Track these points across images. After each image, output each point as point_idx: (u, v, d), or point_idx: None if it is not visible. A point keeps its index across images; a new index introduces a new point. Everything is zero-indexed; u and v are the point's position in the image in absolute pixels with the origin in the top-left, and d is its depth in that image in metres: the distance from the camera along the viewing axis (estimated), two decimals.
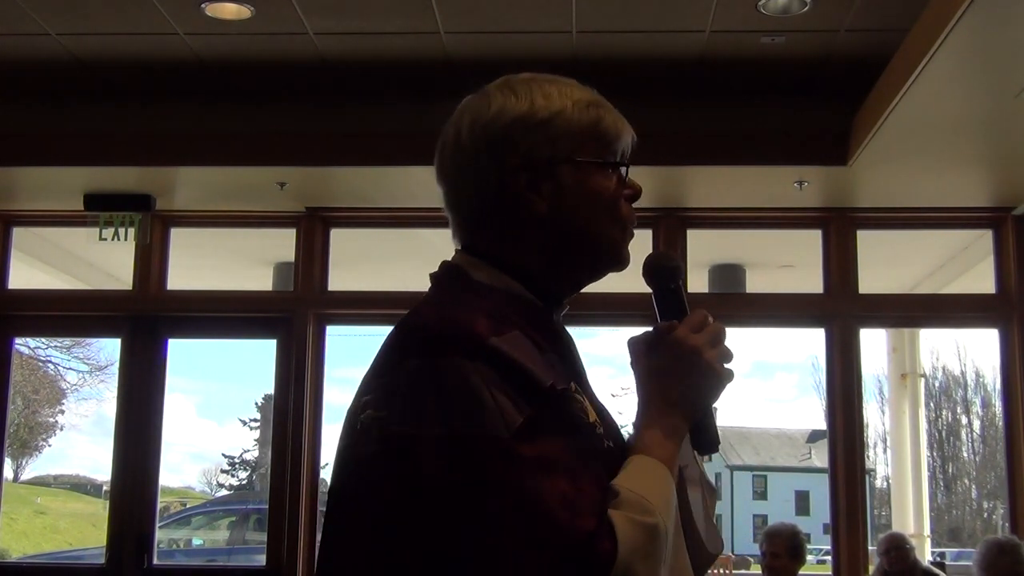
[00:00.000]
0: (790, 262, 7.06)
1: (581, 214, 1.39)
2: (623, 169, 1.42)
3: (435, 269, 1.46)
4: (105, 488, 11.90)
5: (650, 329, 1.44)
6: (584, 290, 1.46)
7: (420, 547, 1.20)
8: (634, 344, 1.43)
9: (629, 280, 1.49)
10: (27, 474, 19.06)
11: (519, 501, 1.17)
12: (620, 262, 1.44)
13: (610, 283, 1.55)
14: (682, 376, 1.35)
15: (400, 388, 1.25)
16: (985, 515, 28.82)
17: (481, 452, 1.19)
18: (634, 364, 1.42)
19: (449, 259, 1.45)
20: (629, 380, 1.42)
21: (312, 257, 6.12)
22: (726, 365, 1.37)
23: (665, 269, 1.43)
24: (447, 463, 1.20)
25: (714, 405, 1.39)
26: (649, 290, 1.44)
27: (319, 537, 5.94)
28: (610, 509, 1.20)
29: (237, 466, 23.67)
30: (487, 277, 1.38)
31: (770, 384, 45.79)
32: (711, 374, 1.36)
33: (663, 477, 1.28)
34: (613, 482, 1.25)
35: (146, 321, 6.15)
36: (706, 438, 1.39)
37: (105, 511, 6.40)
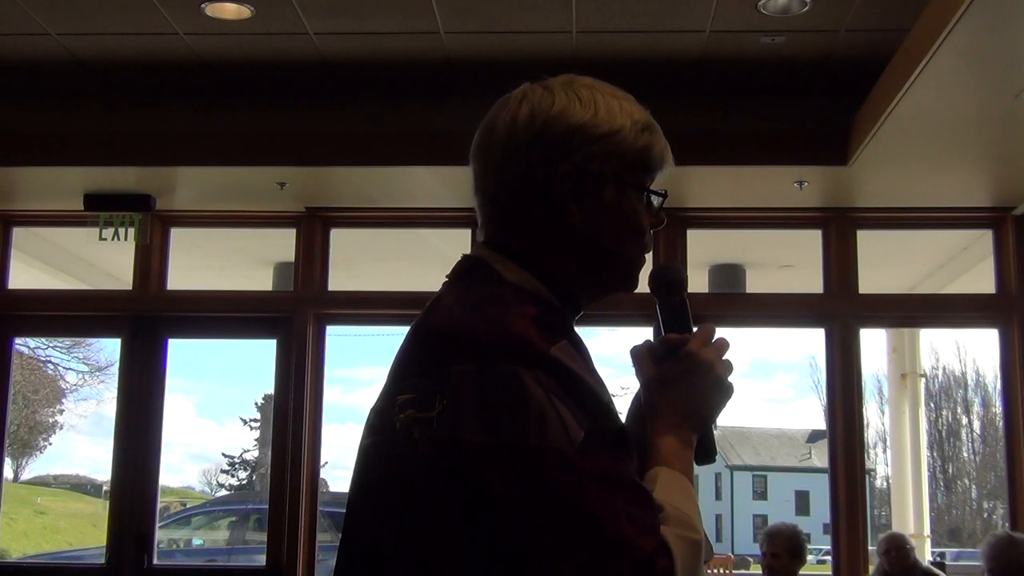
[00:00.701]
0: (790, 262, 7.06)
1: (611, 233, 1.38)
2: (657, 199, 1.42)
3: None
4: (105, 488, 11.90)
5: (651, 339, 1.45)
6: None
7: (478, 557, 1.19)
8: (639, 352, 1.43)
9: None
10: (27, 474, 19.09)
11: (586, 519, 1.16)
12: (632, 285, 1.44)
13: None
14: (695, 389, 1.37)
15: (452, 392, 1.22)
16: (985, 515, 28.82)
17: (547, 466, 1.17)
18: (638, 372, 1.42)
19: (470, 253, 1.42)
20: (628, 380, 1.42)
21: (312, 257, 6.12)
22: (729, 378, 1.39)
23: (671, 282, 1.44)
24: (511, 474, 1.17)
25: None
26: (647, 291, 1.44)
27: (319, 537, 5.96)
28: (661, 525, 1.21)
29: (237, 466, 23.69)
30: (516, 278, 1.36)
31: (768, 384, 45.77)
32: (722, 388, 1.38)
33: (690, 489, 1.30)
34: (654, 496, 1.25)
35: (146, 321, 6.15)
36: (706, 449, 1.41)
37: (105, 511, 6.39)
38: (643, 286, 1.46)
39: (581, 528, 1.16)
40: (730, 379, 1.39)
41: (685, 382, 1.37)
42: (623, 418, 1.37)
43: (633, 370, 1.43)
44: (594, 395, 1.25)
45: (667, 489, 1.27)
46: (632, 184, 1.39)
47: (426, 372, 1.26)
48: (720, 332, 1.42)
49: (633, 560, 1.16)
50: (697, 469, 1.42)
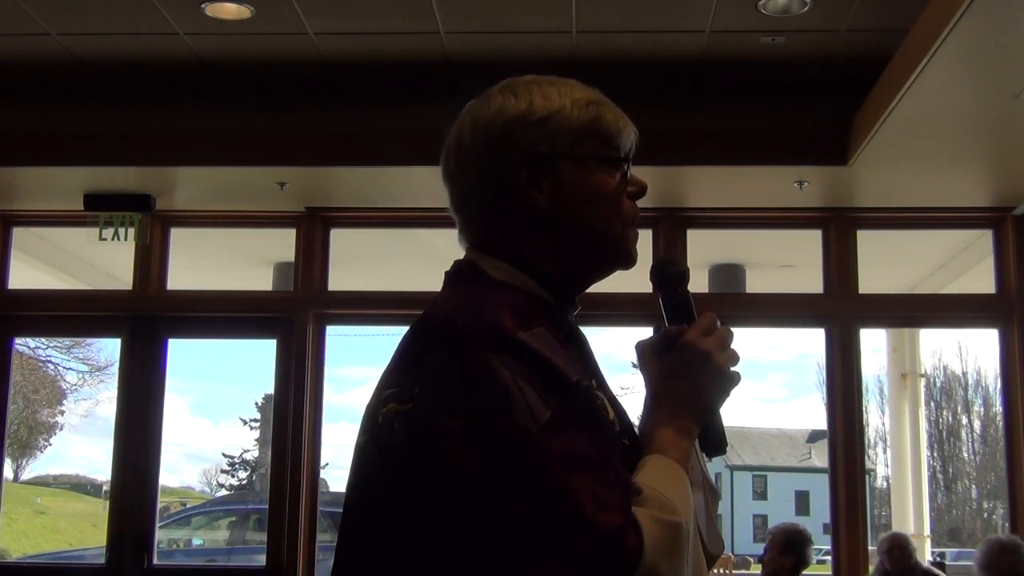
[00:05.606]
0: (790, 262, 7.06)
1: (581, 210, 1.39)
2: (626, 166, 1.43)
3: (436, 269, 1.46)
4: (105, 488, 11.90)
5: (657, 332, 1.45)
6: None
7: (449, 539, 1.21)
8: (642, 347, 1.45)
9: (625, 280, 1.49)
10: (27, 474, 19.08)
11: (547, 494, 1.18)
12: (627, 259, 1.44)
13: (607, 283, 1.55)
14: (693, 379, 1.37)
15: (425, 381, 1.25)
16: (985, 515, 28.83)
17: (510, 444, 1.20)
18: (642, 367, 1.43)
19: (461, 258, 1.45)
20: (625, 380, 1.43)
21: (312, 257, 6.12)
22: (733, 368, 1.39)
23: (673, 274, 1.45)
24: (476, 455, 1.20)
25: (722, 408, 1.41)
26: (648, 290, 1.44)
27: (319, 537, 5.96)
28: (634, 507, 1.21)
29: (237, 466, 23.68)
30: (503, 274, 1.39)
31: (762, 384, 45.55)
32: (721, 377, 1.38)
33: (681, 477, 1.30)
34: (635, 480, 1.26)
35: (146, 321, 6.15)
36: (714, 440, 1.40)
37: (105, 511, 6.39)
38: (646, 283, 1.46)
39: (543, 506, 1.17)
40: (734, 369, 1.39)
41: (683, 372, 1.37)
42: (630, 415, 1.38)
43: (630, 367, 1.44)
44: (563, 377, 1.25)
45: (652, 474, 1.27)
46: (589, 156, 1.40)
47: (409, 366, 1.30)
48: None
49: (596, 537, 1.16)
50: None
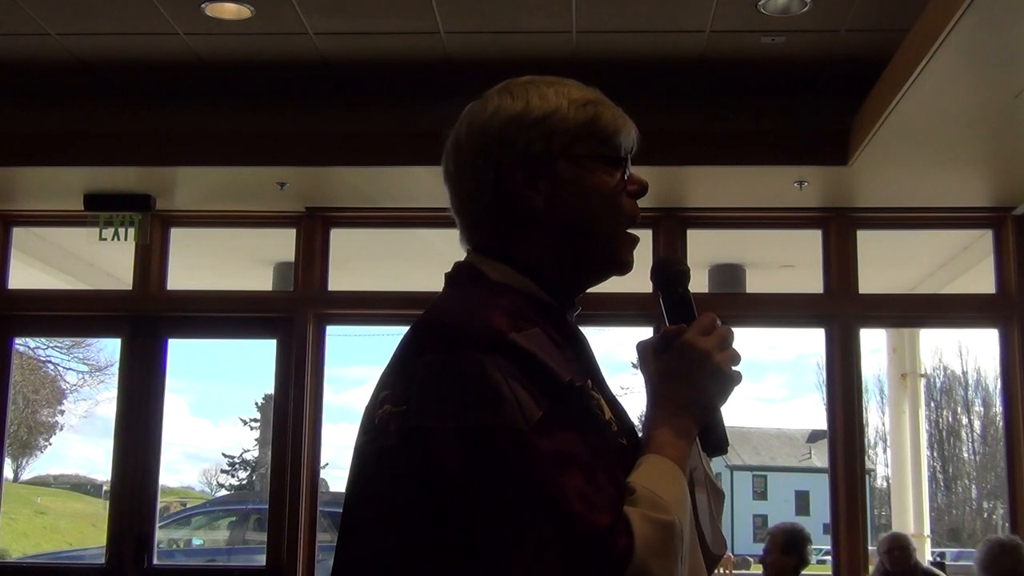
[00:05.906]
0: (790, 262, 7.06)
1: (578, 210, 1.39)
2: (625, 164, 1.43)
3: (436, 269, 1.47)
4: (105, 488, 11.90)
5: (657, 332, 1.45)
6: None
7: (440, 538, 1.21)
8: (643, 347, 1.45)
9: (625, 280, 1.49)
10: (27, 474, 19.08)
11: (536, 494, 1.18)
12: (621, 264, 1.43)
13: (607, 282, 1.55)
14: (691, 378, 1.36)
15: (418, 382, 1.26)
16: (985, 515, 28.81)
17: (500, 444, 1.20)
18: (642, 366, 1.43)
19: (462, 260, 1.46)
20: (625, 380, 1.43)
21: (312, 257, 6.12)
22: (734, 368, 1.38)
23: (674, 274, 1.45)
24: (466, 455, 1.20)
25: (722, 407, 1.40)
26: (648, 290, 1.44)
27: (319, 537, 5.96)
28: (626, 506, 1.21)
29: (237, 466, 23.68)
30: (502, 276, 1.39)
31: (761, 384, 45.42)
32: (720, 377, 1.37)
33: (677, 476, 1.30)
34: (628, 479, 1.25)
35: (146, 321, 6.15)
36: (715, 439, 1.40)
37: (105, 511, 6.39)
38: (646, 283, 1.46)
39: (530, 505, 1.17)
40: (735, 368, 1.38)
41: (683, 372, 1.37)
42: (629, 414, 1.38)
43: (630, 368, 1.44)
44: (555, 378, 1.25)
45: (646, 474, 1.27)
46: (586, 156, 1.39)
47: (404, 367, 1.30)
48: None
49: (585, 537, 1.16)
50: None
